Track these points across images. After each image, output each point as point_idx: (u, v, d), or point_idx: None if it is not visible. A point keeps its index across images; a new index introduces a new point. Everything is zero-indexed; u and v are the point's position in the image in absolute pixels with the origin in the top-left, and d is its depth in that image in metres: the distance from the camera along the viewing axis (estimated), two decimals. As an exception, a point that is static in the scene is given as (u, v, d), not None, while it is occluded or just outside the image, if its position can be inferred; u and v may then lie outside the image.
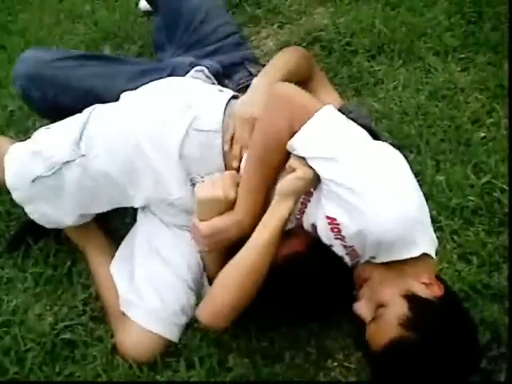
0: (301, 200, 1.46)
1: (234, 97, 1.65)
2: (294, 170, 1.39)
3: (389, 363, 1.26)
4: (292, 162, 1.40)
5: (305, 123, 1.37)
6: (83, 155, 1.55)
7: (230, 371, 1.51)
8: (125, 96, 1.66)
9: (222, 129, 1.55)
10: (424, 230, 1.35)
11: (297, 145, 1.39)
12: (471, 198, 1.82)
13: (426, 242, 1.33)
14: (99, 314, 1.65)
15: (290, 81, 1.52)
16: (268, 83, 1.53)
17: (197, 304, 1.59)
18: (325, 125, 1.38)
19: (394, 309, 1.28)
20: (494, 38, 2.32)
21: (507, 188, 1.84)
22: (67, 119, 1.64)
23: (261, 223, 1.38)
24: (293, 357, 1.54)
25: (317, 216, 1.42)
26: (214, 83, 1.80)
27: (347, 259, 1.45)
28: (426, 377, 1.24)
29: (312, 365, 1.53)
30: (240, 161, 1.53)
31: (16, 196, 1.63)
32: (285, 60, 1.63)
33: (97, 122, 1.58)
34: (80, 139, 1.55)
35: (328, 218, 1.34)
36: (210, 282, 1.58)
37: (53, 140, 1.62)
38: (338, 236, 1.36)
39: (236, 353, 1.55)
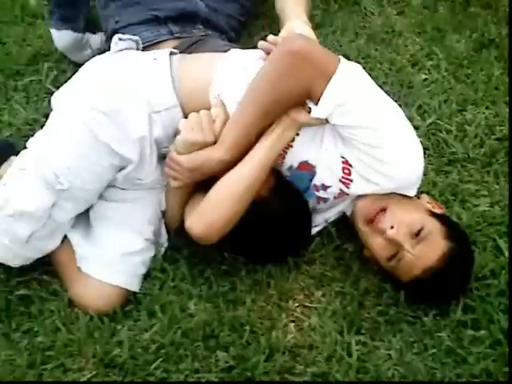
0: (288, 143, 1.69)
1: (171, 53, 1.79)
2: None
3: (445, 273, 1.60)
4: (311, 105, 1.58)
5: (324, 85, 1.52)
6: (66, 189, 1.65)
7: (192, 317, 1.68)
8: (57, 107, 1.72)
9: (179, 98, 1.67)
10: None
11: (323, 109, 1.55)
12: (419, 138, 2.06)
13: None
14: (53, 267, 1.77)
15: None
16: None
17: (155, 255, 1.76)
18: (345, 87, 1.54)
19: (433, 227, 1.62)
20: None
21: (452, 128, 2.11)
22: (12, 167, 1.71)
23: (267, 143, 1.61)
24: (254, 300, 1.74)
25: (318, 153, 1.67)
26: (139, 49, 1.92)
27: (327, 202, 1.75)
28: (468, 277, 1.69)
29: (274, 306, 1.74)
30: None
31: (15, 264, 1.72)
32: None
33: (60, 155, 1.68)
34: (56, 176, 1.64)
35: (343, 157, 1.63)
36: (168, 226, 1.79)
37: (22, 194, 1.63)
38: (345, 179, 1.66)
39: (197, 299, 1.71)
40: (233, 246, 1.74)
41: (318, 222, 1.83)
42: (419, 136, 1.97)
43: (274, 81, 1.59)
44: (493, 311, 1.70)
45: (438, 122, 2.14)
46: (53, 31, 2.25)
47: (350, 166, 1.62)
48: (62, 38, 2.24)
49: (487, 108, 2.21)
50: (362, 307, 1.73)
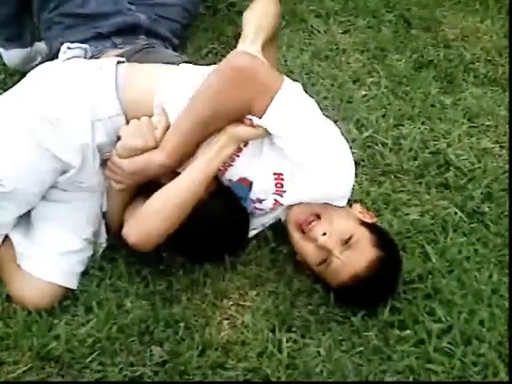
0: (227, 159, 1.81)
1: (119, 62, 1.90)
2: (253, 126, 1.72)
3: (371, 280, 1.71)
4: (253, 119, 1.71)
5: (267, 100, 1.64)
6: (8, 192, 1.75)
7: (128, 313, 1.78)
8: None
9: (123, 107, 1.76)
10: None
11: (269, 124, 1.67)
12: (354, 150, 2.22)
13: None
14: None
15: None
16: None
17: (93, 254, 1.88)
18: (286, 106, 1.67)
19: (362, 235, 1.73)
20: (371, 4, 2.84)
21: (388, 141, 2.28)
22: None
23: (205, 159, 1.72)
24: (190, 298, 1.85)
25: (255, 170, 1.80)
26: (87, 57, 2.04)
27: (262, 212, 1.89)
28: (395, 283, 1.81)
29: (209, 305, 1.85)
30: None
31: None
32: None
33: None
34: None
35: (275, 174, 1.75)
36: (109, 227, 1.90)
37: None
38: (279, 190, 1.79)
39: (134, 297, 1.82)
40: (170, 246, 1.84)
41: (255, 226, 1.96)
42: (355, 148, 2.14)
43: (214, 94, 1.67)
44: (418, 313, 1.83)
45: (375, 135, 2.30)
46: (1, 51, 2.34)
47: (283, 179, 1.76)
48: (11, 56, 2.35)
49: (423, 123, 2.39)
50: (293, 306, 1.85)
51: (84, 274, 1.86)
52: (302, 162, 1.72)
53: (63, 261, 1.81)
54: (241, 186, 1.84)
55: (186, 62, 1.97)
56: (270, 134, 1.72)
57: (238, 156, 1.80)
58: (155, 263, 1.89)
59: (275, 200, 1.83)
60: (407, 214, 2.09)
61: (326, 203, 1.82)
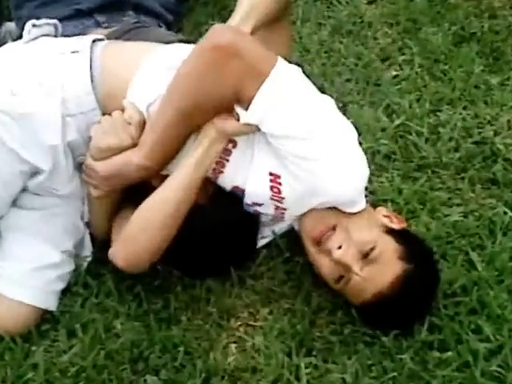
0: (217, 159, 1.82)
1: (95, 40, 1.91)
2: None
3: (399, 299, 1.71)
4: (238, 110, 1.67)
5: (255, 86, 1.61)
6: None
7: (118, 337, 1.82)
8: None
9: (98, 100, 1.77)
10: None
11: (254, 114, 1.65)
12: (383, 141, 2.27)
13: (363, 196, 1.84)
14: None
15: None
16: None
17: (75, 269, 1.91)
18: (280, 95, 1.64)
19: (386, 246, 1.73)
20: None
21: (424, 130, 2.30)
22: None
23: (192, 162, 1.72)
24: (191, 318, 1.88)
25: (247, 176, 1.79)
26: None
27: (268, 216, 1.90)
28: (428, 301, 1.80)
29: (213, 326, 1.88)
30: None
31: None
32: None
33: None
34: None
35: (271, 174, 1.74)
36: (93, 237, 1.94)
37: None
38: (276, 197, 1.78)
39: (124, 318, 1.86)
40: (167, 259, 1.87)
41: (265, 234, 2.00)
42: (385, 138, 2.17)
43: (194, 80, 1.64)
44: (462, 331, 1.85)
45: (408, 123, 2.32)
46: None
47: (280, 183, 1.75)
48: None
49: (465, 108, 2.41)
50: (313, 326, 1.87)
51: (65, 292, 1.89)
52: (301, 163, 1.70)
53: (38, 277, 1.84)
54: (238, 194, 1.87)
55: (183, 42, 1.99)
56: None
57: (228, 160, 1.81)
58: (149, 278, 1.93)
59: (276, 206, 1.84)
60: (447, 216, 2.11)
61: (341, 211, 1.84)
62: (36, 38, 1.91)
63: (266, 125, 1.68)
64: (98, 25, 2.17)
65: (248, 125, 1.69)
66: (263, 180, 1.78)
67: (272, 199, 1.81)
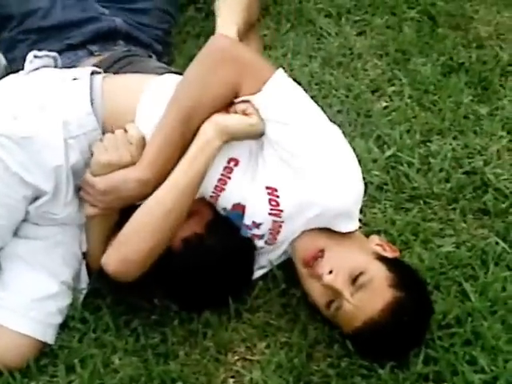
0: (219, 176, 1.86)
1: (93, 72, 1.97)
2: (245, 115, 1.78)
3: (389, 327, 1.72)
4: (247, 106, 1.76)
5: (254, 87, 1.74)
6: None
7: (117, 373, 1.82)
8: None
9: (99, 122, 1.83)
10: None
11: (260, 105, 1.74)
12: (375, 172, 2.30)
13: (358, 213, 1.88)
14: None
15: None
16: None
17: (72, 303, 1.92)
18: (285, 91, 1.78)
19: (377, 273, 1.75)
20: None
21: (415, 161, 2.33)
22: None
23: (187, 157, 1.74)
24: (188, 353, 1.89)
25: (248, 192, 1.82)
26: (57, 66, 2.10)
27: (264, 239, 1.91)
28: (421, 331, 1.81)
29: (211, 360, 1.89)
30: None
31: None
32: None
33: None
34: None
35: (268, 188, 1.78)
36: (91, 267, 1.94)
37: None
38: (275, 210, 1.80)
39: (122, 353, 1.86)
40: (164, 292, 1.90)
41: (262, 264, 2.01)
42: (377, 169, 2.20)
43: (195, 81, 1.76)
44: (457, 362, 1.86)
45: (399, 154, 2.35)
46: None
47: (277, 196, 1.80)
48: None
49: (455, 138, 2.44)
50: (310, 359, 1.88)
51: (63, 326, 1.90)
52: (297, 156, 1.75)
53: (37, 308, 1.84)
54: (237, 213, 1.89)
55: (175, 73, 2.03)
56: (261, 134, 1.80)
57: (230, 178, 1.85)
58: (146, 313, 1.94)
59: (273, 222, 1.86)
60: (440, 246, 2.13)
61: (334, 232, 1.87)
62: (37, 68, 1.97)
63: (268, 110, 1.75)
64: (91, 54, 2.22)
65: (249, 120, 1.75)
66: (261, 194, 1.81)
67: (270, 214, 1.83)
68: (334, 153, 1.78)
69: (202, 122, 1.75)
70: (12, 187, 1.80)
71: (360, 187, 1.83)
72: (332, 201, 1.77)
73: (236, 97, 1.77)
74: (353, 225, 1.86)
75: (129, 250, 1.77)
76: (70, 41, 2.24)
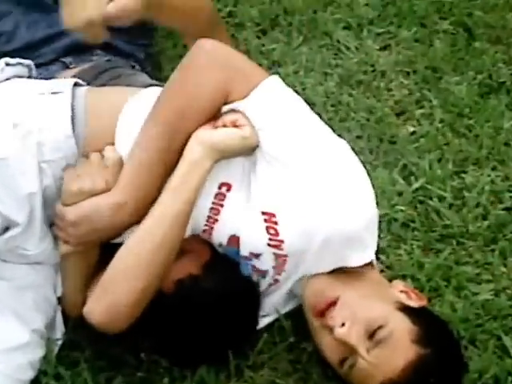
0: (210, 205, 1.86)
1: (76, 84, 2.00)
2: (235, 126, 1.78)
3: None
4: (238, 116, 1.76)
5: (245, 94, 1.75)
6: None
7: None
8: None
9: (80, 145, 1.84)
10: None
11: (249, 111, 1.77)
12: (401, 207, 2.30)
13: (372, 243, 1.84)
14: None
15: None
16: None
17: (45, 356, 1.91)
18: (280, 96, 1.80)
19: (399, 326, 1.72)
20: (419, 8, 2.92)
21: (447, 195, 2.34)
22: None
23: (172, 186, 1.73)
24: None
25: (242, 221, 1.81)
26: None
27: (268, 277, 1.89)
28: None
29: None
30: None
31: None
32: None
33: None
34: None
35: (264, 213, 1.77)
36: (67, 313, 1.95)
37: None
38: (274, 241, 1.79)
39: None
40: (152, 344, 1.90)
41: (267, 311, 2.01)
42: (402, 204, 2.21)
43: (178, 90, 1.75)
44: (496, 428, 1.84)
45: (428, 186, 2.36)
46: None
47: (275, 223, 1.77)
48: None
49: (493, 169, 2.45)
50: (323, 426, 1.86)
51: (35, 383, 1.89)
52: (295, 168, 1.75)
53: (6, 361, 1.84)
54: (234, 250, 1.89)
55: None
56: (255, 148, 1.80)
57: (223, 206, 1.85)
58: (131, 369, 1.94)
59: (275, 254, 1.85)
60: (476, 294, 2.13)
61: (352, 277, 1.86)
62: (8, 78, 1.98)
63: (258, 117, 1.76)
64: (66, 66, 2.25)
65: (239, 131, 1.76)
66: (257, 222, 1.79)
67: (270, 245, 1.81)
68: (340, 167, 1.78)
69: (188, 136, 1.74)
70: None
71: (371, 209, 1.80)
72: (338, 222, 1.74)
73: (224, 101, 1.76)
74: (366, 255, 1.83)
75: (116, 296, 1.76)
76: (41, 59, 2.27)
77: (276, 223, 1.81)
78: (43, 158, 1.84)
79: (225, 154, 1.80)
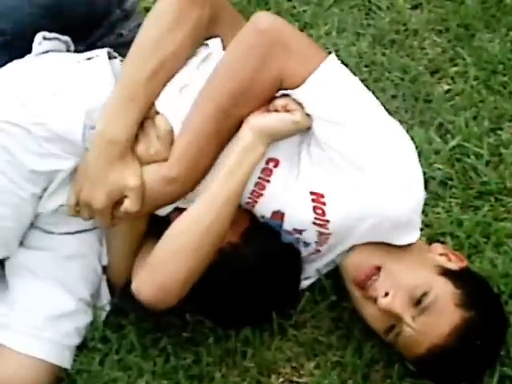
0: (256, 180, 1.86)
1: (111, 56, 1.98)
2: (287, 111, 1.78)
3: (458, 353, 1.73)
4: (288, 101, 1.76)
5: (300, 77, 1.72)
6: None
7: (144, 398, 1.85)
8: None
9: None
10: None
11: (304, 100, 1.74)
12: (438, 166, 2.31)
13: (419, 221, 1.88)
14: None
15: None
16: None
17: (92, 322, 1.95)
18: (336, 83, 1.77)
19: (442, 291, 1.74)
20: None
21: (484, 152, 2.34)
22: None
23: (224, 170, 1.76)
24: (225, 375, 1.92)
25: (289, 197, 1.82)
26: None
27: (309, 248, 1.90)
28: (496, 351, 1.82)
29: (251, 382, 1.91)
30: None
31: None
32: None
33: None
34: None
35: (313, 193, 1.78)
36: (113, 282, 1.98)
37: None
38: (320, 220, 1.80)
39: (150, 376, 1.90)
40: (197, 307, 1.93)
41: (308, 273, 2.03)
42: (440, 162, 2.22)
43: (235, 64, 1.73)
44: (538, 381, 1.85)
45: (465, 144, 2.37)
46: None
47: (323, 203, 1.78)
48: None
49: (530, 125, 2.40)
50: (366, 381, 1.90)
51: (81, 348, 1.93)
52: (350, 159, 1.75)
53: (52, 328, 1.87)
54: (274, 222, 1.90)
55: None
56: (308, 129, 1.80)
57: (269, 181, 1.86)
58: (177, 330, 1.97)
59: (319, 232, 1.85)
60: (516, 249, 2.11)
61: (390, 246, 1.86)
62: (46, 51, 1.98)
63: (314, 104, 1.75)
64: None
65: (292, 116, 1.76)
66: (305, 200, 1.80)
67: (315, 224, 1.82)
68: (392, 155, 1.77)
69: (241, 120, 1.75)
70: (18, 182, 1.80)
71: (421, 193, 1.82)
72: (388, 209, 1.75)
73: (280, 84, 1.76)
74: (413, 236, 1.84)
75: (165, 276, 1.78)
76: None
77: (324, 204, 1.82)
78: (92, 123, 1.81)
79: (276, 138, 1.81)
